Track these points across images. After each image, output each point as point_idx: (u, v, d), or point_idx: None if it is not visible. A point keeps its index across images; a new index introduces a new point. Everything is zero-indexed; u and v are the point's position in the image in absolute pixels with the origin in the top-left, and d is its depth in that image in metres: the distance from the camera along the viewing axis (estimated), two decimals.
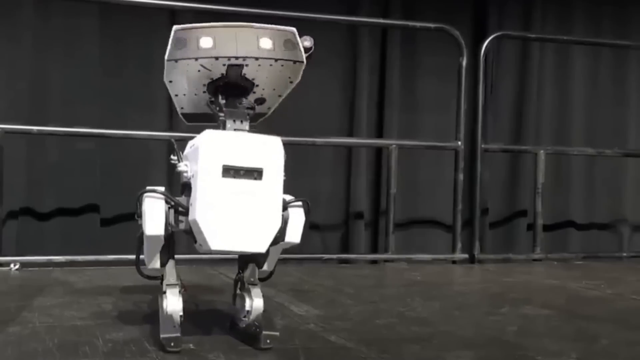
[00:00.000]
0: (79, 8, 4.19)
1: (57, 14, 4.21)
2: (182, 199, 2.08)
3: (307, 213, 2.13)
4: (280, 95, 2.27)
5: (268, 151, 2.01)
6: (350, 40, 4.83)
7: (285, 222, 2.08)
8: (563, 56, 5.32)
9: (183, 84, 2.16)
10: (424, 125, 4.97)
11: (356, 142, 4.75)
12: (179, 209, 2.06)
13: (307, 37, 2.14)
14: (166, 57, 2.03)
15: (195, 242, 2.02)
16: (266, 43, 2.07)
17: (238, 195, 1.97)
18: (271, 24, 4.57)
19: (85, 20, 4.24)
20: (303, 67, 2.15)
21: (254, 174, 1.99)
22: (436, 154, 4.84)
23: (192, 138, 2.11)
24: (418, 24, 4.58)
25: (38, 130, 3.85)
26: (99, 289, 3.05)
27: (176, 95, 2.23)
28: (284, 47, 2.10)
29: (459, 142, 4.48)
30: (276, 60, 2.10)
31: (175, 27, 2.03)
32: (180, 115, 2.34)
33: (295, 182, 4.81)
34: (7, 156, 3.75)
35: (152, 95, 4.25)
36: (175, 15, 4.39)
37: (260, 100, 2.25)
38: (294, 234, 2.10)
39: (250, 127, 2.12)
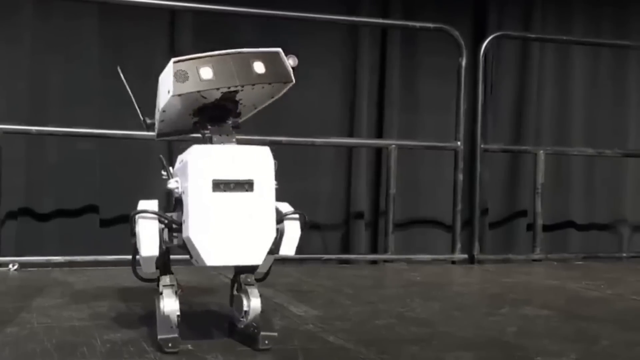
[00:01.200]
0: (79, 9, 4.18)
1: (57, 15, 4.21)
2: (175, 215, 2.09)
3: (303, 226, 2.13)
4: (256, 107, 2.29)
5: (258, 162, 2.02)
6: (350, 40, 4.83)
7: (280, 234, 2.08)
8: (563, 56, 5.32)
9: (174, 112, 2.17)
10: (424, 125, 4.97)
11: (356, 142, 4.75)
12: (172, 226, 2.07)
13: (291, 56, 2.17)
14: (170, 91, 2.03)
15: (191, 257, 2.03)
16: (259, 67, 2.10)
17: (230, 208, 1.97)
18: (271, 23, 4.58)
19: (85, 21, 4.24)
20: (290, 85, 2.18)
21: (245, 185, 1.99)
22: (436, 154, 4.83)
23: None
24: (418, 24, 4.58)
25: (37, 130, 3.85)
26: (98, 290, 3.05)
27: (162, 121, 2.23)
28: (274, 68, 2.13)
29: (459, 142, 4.48)
30: (270, 83, 2.12)
31: (173, 60, 2.04)
32: (156, 136, 2.34)
33: (295, 183, 4.85)
34: (6, 156, 3.75)
35: (151, 95, 4.24)
36: (174, 15, 4.39)
37: (237, 114, 2.25)
38: (289, 247, 2.12)
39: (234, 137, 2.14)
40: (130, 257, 2.23)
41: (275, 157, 2.07)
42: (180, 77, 2.02)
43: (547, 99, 5.28)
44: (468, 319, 2.75)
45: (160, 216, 2.06)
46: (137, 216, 2.05)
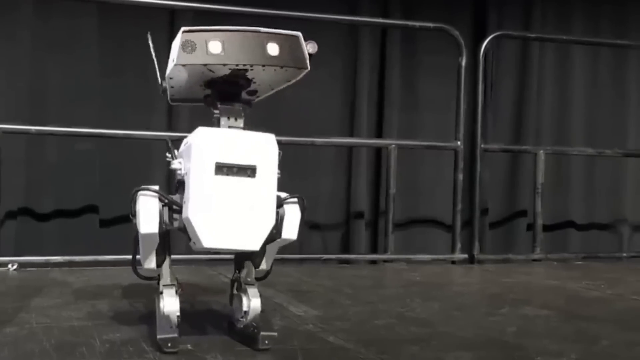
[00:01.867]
0: (78, 8, 4.17)
1: (57, 14, 4.20)
2: (176, 197, 2.08)
3: (302, 209, 2.12)
4: (272, 89, 2.27)
5: (262, 148, 2.01)
6: (350, 40, 4.83)
7: (281, 219, 2.07)
8: (563, 56, 5.31)
9: (182, 81, 2.16)
10: (424, 125, 4.97)
11: (356, 142, 4.75)
12: (173, 206, 2.06)
13: (312, 43, 2.14)
14: (174, 60, 2.02)
15: (190, 239, 2.02)
16: (273, 49, 2.07)
17: (231, 192, 1.96)
18: (271, 23, 4.57)
19: (85, 20, 4.23)
20: (305, 72, 2.14)
21: (248, 171, 1.98)
22: (436, 154, 4.83)
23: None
24: (418, 24, 4.57)
25: (37, 130, 3.84)
26: (97, 290, 3.04)
27: (172, 87, 2.22)
28: (289, 52, 2.10)
29: (459, 142, 4.47)
30: (282, 66, 2.09)
31: (183, 28, 2.02)
32: (168, 99, 2.33)
33: (295, 182, 4.81)
34: (5, 156, 3.74)
35: (151, 95, 4.24)
36: (174, 15, 4.38)
37: (253, 92, 2.25)
38: (290, 231, 2.09)
39: (244, 119, 2.12)
40: (130, 256, 2.22)
41: (279, 149, 2.06)
42: (187, 47, 2.00)
43: (547, 98, 5.27)
44: (468, 319, 2.74)
45: (161, 195, 2.05)
46: (138, 193, 2.04)
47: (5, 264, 3.67)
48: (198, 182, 1.95)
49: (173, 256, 2.20)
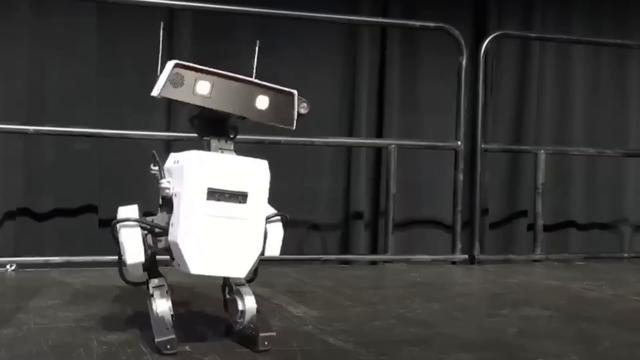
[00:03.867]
0: (77, 7, 4.16)
1: (55, 13, 4.19)
2: (160, 215, 2.07)
3: (285, 226, 2.13)
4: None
5: (254, 175, 2.01)
6: (350, 39, 4.82)
7: (264, 236, 2.07)
8: (563, 56, 5.30)
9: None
10: (424, 125, 4.96)
11: (356, 142, 4.73)
12: (155, 230, 2.06)
13: (305, 103, 2.11)
14: (158, 92, 1.99)
15: (173, 260, 2.01)
16: (262, 103, 2.06)
17: (221, 218, 1.96)
18: (271, 22, 4.54)
19: (83, 20, 4.22)
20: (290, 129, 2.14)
21: (239, 197, 1.98)
22: (436, 154, 4.81)
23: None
24: (418, 23, 4.56)
25: (34, 130, 3.82)
26: (96, 290, 3.03)
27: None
28: (278, 109, 2.08)
29: (459, 142, 4.46)
30: (266, 123, 2.10)
31: (175, 61, 2.00)
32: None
33: (295, 183, 4.83)
34: (4, 156, 3.74)
35: (150, 95, 4.23)
36: (174, 15, 4.37)
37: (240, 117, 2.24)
38: (273, 248, 2.11)
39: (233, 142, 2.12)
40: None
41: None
42: (173, 80, 1.99)
43: (547, 98, 5.26)
44: (468, 319, 2.73)
45: (142, 222, 2.04)
46: (118, 225, 2.03)
47: (3, 265, 3.65)
48: (189, 206, 1.94)
49: (166, 257, 2.18)
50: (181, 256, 1.95)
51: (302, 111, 2.11)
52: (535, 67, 5.19)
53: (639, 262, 4.85)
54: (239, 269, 2.00)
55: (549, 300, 3.22)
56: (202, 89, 2.01)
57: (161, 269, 2.18)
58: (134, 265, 2.04)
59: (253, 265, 2.17)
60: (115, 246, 2.10)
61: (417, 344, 2.26)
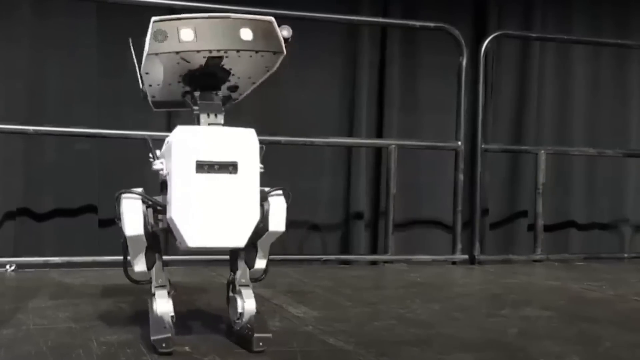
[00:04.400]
0: (77, 7, 4.16)
1: (55, 14, 4.19)
2: (160, 198, 2.06)
3: (287, 200, 2.10)
4: (254, 82, 2.25)
5: (242, 144, 1.99)
6: (350, 39, 4.82)
7: (266, 212, 2.06)
8: (563, 56, 5.30)
9: (159, 75, 2.14)
10: (424, 125, 4.95)
11: (356, 142, 4.73)
12: (157, 207, 2.05)
13: (286, 27, 2.11)
14: (146, 50, 2.00)
15: (175, 240, 2.01)
16: (247, 34, 2.05)
17: (213, 190, 1.95)
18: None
19: (83, 20, 4.22)
20: (282, 57, 2.12)
21: (229, 167, 1.97)
22: (436, 154, 4.81)
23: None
24: (418, 23, 4.56)
25: (34, 130, 3.82)
26: (96, 291, 3.02)
27: (150, 85, 2.20)
28: (264, 37, 2.07)
29: (459, 142, 4.46)
30: (257, 51, 2.07)
31: (153, 18, 2.00)
32: (150, 103, 2.31)
33: (295, 183, 4.81)
34: (3, 156, 3.74)
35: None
36: (174, 14, 4.36)
37: (234, 88, 2.23)
38: (277, 223, 2.08)
39: (224, 115, 2.11)
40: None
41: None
42: (158, 36, 1.99)
43: (547, 98, 5.26)
44: (469, 320, 2.72)
45: (144, 196, 2.04)
46: (121, 196, 2.03)
47: (3, 265, 3.65)
48: (179, 181, 1.94)
49: (170, 257, 2.19)
50: (178, 231, 1.94)
51: (285, 34, 2.11)
52: (535, 67, 5.19)
53: (639, 262, 4.85)
54: (237, 239, 1.99)
55: (549, 300, 3.21)
56: (187, 35, 2.00)
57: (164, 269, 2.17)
58: (134, 238, 2.03)
59: (263, 260, 2.15)
60: (117, 223, 2.07)
61: (417, 344, 2.25)
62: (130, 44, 2.20)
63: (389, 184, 4.34)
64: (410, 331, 2.45)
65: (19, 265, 3.66)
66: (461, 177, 4.45)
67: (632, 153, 5.25)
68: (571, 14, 5.33)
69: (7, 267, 3.63)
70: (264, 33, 2.08)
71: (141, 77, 2.21)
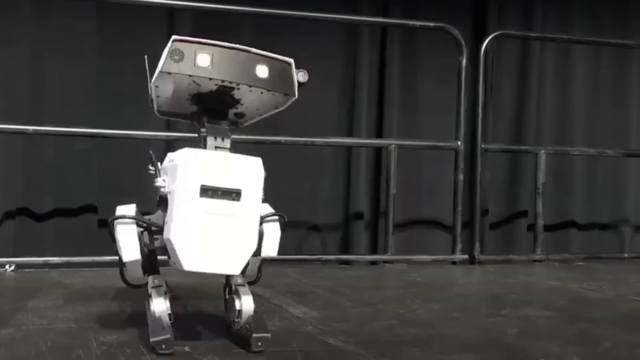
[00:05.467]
0: (76, 8, 4.16)
1: (54, 14, 4.18)
2: (158, 214, 2.07)
3: (282, 227, 2.13)
4: (261, 115, 2.27)
5: (248, 172, 2.00)
6: (350, 39, 4.82)
7: (260, 236, 2.07)
8: (563, 56, 5.30)
9: (169, 90, 2.14)
10: (424, 125, 4.95)
11: (356, 142, 4.73)
12: (152, 228, 2.05)
13: (303, 72, 2.13)
14: (160, 67, 2.00)
15: (169, 258, 2.01)
16: (262, 71, 2.06)
17: (215, 216, 1.95)
18: (271, 22, 4.55)
19: (83, 20, 4.21)
20: (293, 100, 2.14)
21: (232, 194, 1.97)
22: (436, 154, 4.81)
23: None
24: (418, 23, 4.56)
25: (34, 130, 3.82)
26: (95, 291, 3.02)
27: (158, 96, 2.20)
28: (279, 77, 2.09)
29: (459, 142, 4.45)
30: (268, 90, 2.09)
31: (173, 37, 2.01)
32: (156, 111, 2.31)
33: (295, 183, 4.82)
34: (3, 156, 3.73)
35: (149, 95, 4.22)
36: (173, 15, 4.37)
37: (240, 115, 2.24)
38: (270, 249, 2.11)
39: (230, 140, 2.12)
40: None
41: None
42: (174, 55, 1.99)
43: (547, 98, 5.26)
44: (469, 320, 2.72)
45: (138, 220, 2.04)
46: (114, 222, 2.03)
47: (2, 265, 3.64)
48: (182, 203, 1.94)
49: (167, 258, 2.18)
50: (174, 253, 1.94)
51: (301, 79, 2.12)
52: (535, 67, 5.19)
53: (639, 262, 4.84)
54: (233, 266, 1.99)
55: (549, 300, 3.21)
56: (203, 61, 2.00)
57: (160, 269, 2.18)
58: (132, 263, 2.04)
59: (255, 266, 2.16)
60: (113, 246, 2.09)
61: (417, 344, 2.25)
62: (146, 62, 2.19)
63: (388, 184, 4.34)
64: (410, 331, 2.44)
65: (19, 266, 3.66)
66: (461, 177, 4.45)
67: (632, 153, 5.25)
68: (571, 14, 5.33)
69: (7, 267, 3.62)
70: (280, 74, 2.09)
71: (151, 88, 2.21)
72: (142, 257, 2.04)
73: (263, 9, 4.15)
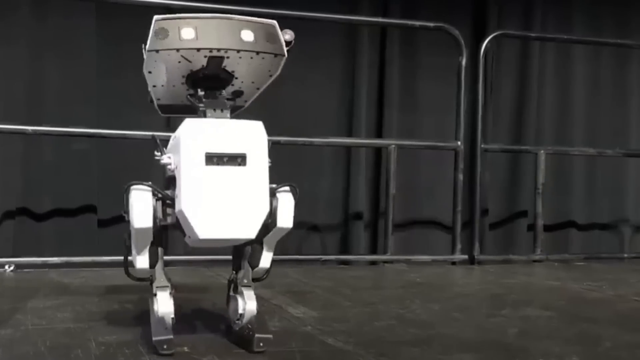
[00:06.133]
0: (76, 8, 4.16)
1: (54, 14, 4.18)
2: (169, 192, 2.05)
3: (295, 197, 2.09)
4: (258, 88, 2.26)
5: (250, 136, 1.98)
6: (349, 39, 4.81)
7: (274, 208, 2.04)
8: (563, 56, 5.30)
9: (162, 75, 2.14)
10: (424, 125, 4.95)
11: (355, 142, 4.73)
12: (166, 201, 2.04)
13: (288, 31, 2.13)
14: (147, 47, 2.01)
15: (184, 235, 1.99)
16: (248, 35, 2.06)
17: (223, 182, 1.94)
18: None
19: (82, 20, 4.21)
20: (284, 61, 2.13)
21: (238, 159, 1.96)
22: (436, 154, 4.81)
23: None
24: (417, 23, 4.56)
25: (33, 130, 3.82)
26: (94, 291, 3.02)
27: (154, 86, 2.21)
28: (265, 39, 2.09)
29: (459, 142, 4.45)
30: (257, 53, 2.08)
31: (155, 17, 2.01)
32: (156, 106, 2.31)
33: (295, 182, 4.78)
34: (3, 156, 3.73)
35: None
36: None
37: (238, 93, 2.24)
38: (285, 219, 2.06)
39: (229, 111, 2.11)
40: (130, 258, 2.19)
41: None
42: (159, 33, 1.99)
43: (547, 98, 5.26)
44: (469, 320, 2.72)
45: (154, 189, 2.02)
46: (131, 187, 2.01)
47: (1, 265, 3.64)
48: (189, 174, 1.93)
49: (170, 257, 2.18)
50: (188, 224, 1.93)
51: (288, 37, 2.11)
52: (535, 67, 5.19)
53: (639, 262, 4.84)
54: (248, 230, 1.97)
55: (549, 300, 3.21)
56: (188, 34, 2.01)
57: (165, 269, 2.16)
58: (141, 231, 2.00)
59: (277, 237, 2.12)
60: (124, 215, 2.05)
61: (417, 344, 2.25)
62: (143, 49, 2.19)
63: (388, 184, 4.34)
64: (410, 331, 2.44)
65: (18, 266, 3.66)
66: (461, 177, 4.45)
67: (631, 153, 5.25)
68: (571, 14, 5.33)
69: (6, 267, 3.63)
70: (266, 35, 2.09)
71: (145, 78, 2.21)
72: (154, 228, 2.01)
73: (263, 9, 4.15)
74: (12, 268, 3.63)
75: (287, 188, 2.09)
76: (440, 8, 4.87)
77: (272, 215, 2.03)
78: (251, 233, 1.98)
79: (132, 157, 4.25)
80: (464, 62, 4.44)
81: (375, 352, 2.12)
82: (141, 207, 1.98)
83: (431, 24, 4.49)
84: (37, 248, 4.03)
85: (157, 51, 2.01)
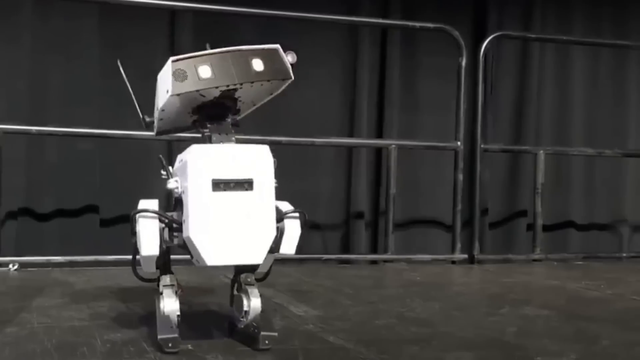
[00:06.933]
0: (79, 8, 4.17)
1: (57, 15, 4.20)
2: (175, 214, 2.09)
3: (303, 225, 2.13)
4: (254, 104, 2.30)
5: (257, 160, 2.02)
6: (350, 40, 4.83)
7: (280, 233, 2.08)
8: (563, 56, 5.31)
9: (174, 111, 2.17)
10: (424, 125, 4.97)
11: (356, 142, 4.74)
12: (173, 225, 2.07)
13: (290, 52, 2.18)
14: (169, 91, 2.03)
15: (191, 257, 2.03)
16: (258, 65, 2.11)
17: (230, 207, 1.97)
18: (271, 23, 4.57)
19: (85, 21, 4.23)
20: (288, 82, 2.18)
21: (245, 185, 1.99)
22: (436, 154, 4.83)
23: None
24: (418, 24, 4.58)
25: (37, 130, 3.85)
26: (98, 290, 3.04)
27: (161, 119, 2.23)
28: (273, 65, 2.13)
29: (459, 142, 4.47)
30: (269, 80, 2.13)
31: (171, 58, 2.04)
32: (155, 132, 2.34)
33: (295, 183, 4.83)
34: (6, 156, 3.75)
35: (151, 95, 4.24)
36: (175, 15, 4.38)
37: (236, 111, 2.26)
38: (288, 246, 2.11)
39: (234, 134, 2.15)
40: (130, 257, 2.23)
41: (275, 157, 2.07)
42: (179, 76, 2.02)
43: (547, 98, 5.27)
44: (468, 319, 2.74)
45: (161, 215, 2.06)
46: (137, 215, 2.05)
47: (6, 264, 3.67)
48: (196, 200, 1.96)
49: (174, 256, 2.20)
50: (196, 250, 1.96)
51: (291, 60, 2.17)
52: (535, 67, 5.20)
53: (637, 261, 4.87)
54: (255, 256, 2.01)
55: (548, 299, 3.23)
56: (205, 72, 2.05)
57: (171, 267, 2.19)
58: (148, 258, 2.05)
59: (269, 263, 2.17)
60: (132, 238, 2.09)
61: (417, 343, 2.27)
62: (121, 69, 2.23)
63: (389, 183, 4.36)
64: (410, 330, 2.47)
65: (22, 265, 3.69)
66: (460, 177, 4.47)
67: (630, 153, 5.27)
68: (571, 15, 5.34)
69: (10, 266, 3.65)
70: (274, 62, 2.14)
71: (139, 105, 2.25)
72: (160, 253, 2.05)
73: (264, 9, 4.17)
74: (16, 267, 3.66)
75: (297, 215, 2.12)
76: (440, 9, 4.88)
77: (277, 239, 2.07)
78: (259, 258, 2.02)
79: (134, 158, 4.28)
80: (464, 62, 4.46)
81: (376, 350, 2.15)
82: (148, 236, 2.03)
83: (431, 25, 4.51)
84: (41, 247, 4.05)
85: (178, 95, 2.04)
